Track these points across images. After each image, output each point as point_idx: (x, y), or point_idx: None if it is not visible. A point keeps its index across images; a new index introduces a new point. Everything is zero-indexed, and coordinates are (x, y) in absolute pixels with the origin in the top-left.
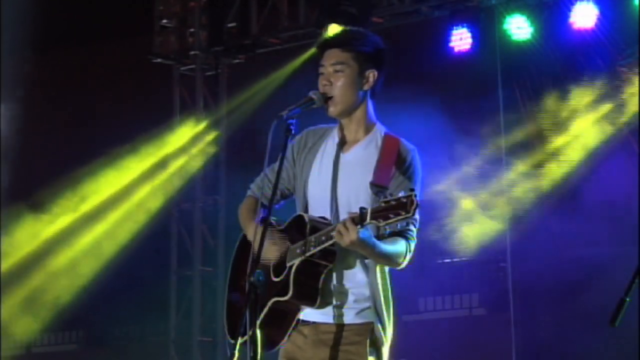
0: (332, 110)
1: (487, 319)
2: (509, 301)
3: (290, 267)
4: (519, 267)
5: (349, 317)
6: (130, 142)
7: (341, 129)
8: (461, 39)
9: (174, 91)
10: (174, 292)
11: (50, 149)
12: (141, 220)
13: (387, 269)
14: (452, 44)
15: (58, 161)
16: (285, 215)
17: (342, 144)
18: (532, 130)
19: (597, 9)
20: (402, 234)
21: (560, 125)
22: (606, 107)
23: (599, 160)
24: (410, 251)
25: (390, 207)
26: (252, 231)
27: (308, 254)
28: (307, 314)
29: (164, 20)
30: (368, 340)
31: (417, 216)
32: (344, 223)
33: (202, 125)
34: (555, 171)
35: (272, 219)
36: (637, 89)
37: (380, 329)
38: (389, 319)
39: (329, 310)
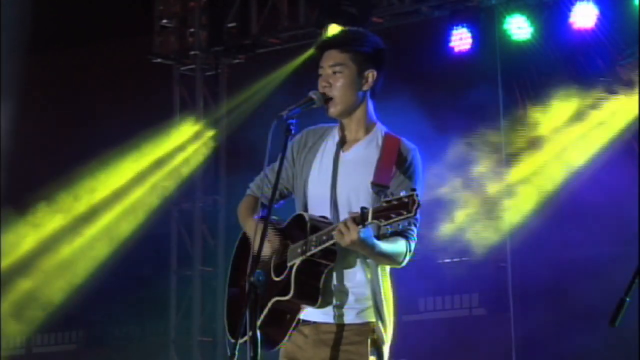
0: (332, 110)
1: (487, 319)
2: (509, 301)
3: (291, 266)
4: (519, 267)
5: (350, 317)
6: (130, 142)
7: (341, 129)
8: (461, 39)
9: (174, 91)
10: (174, 292)
11: (50, 149)
12: (141, 220)
13: (388, 268)
14: (452, 44)
15: (58, 161)
16: (285, 214)
17: (343, 143)
18: (532, 130)
19: (597, 9)
20: (403, 233)
21: (560, 125)
22: (606, 108)
23: (600, 161)
24: (410, 251)
25: (392, 207)
26: (251, 227)
27: (309, 253)
28: (308, 313)
29: (164, 20)
30: (369, 340)
31: (418, 216)
32: (345, 222)
33: (202, 125)
34: (556, 171)
35: (273, 218)
36: (637, 89)
37: (381, 328)
38: (389, 318)
39: (329, 310)
